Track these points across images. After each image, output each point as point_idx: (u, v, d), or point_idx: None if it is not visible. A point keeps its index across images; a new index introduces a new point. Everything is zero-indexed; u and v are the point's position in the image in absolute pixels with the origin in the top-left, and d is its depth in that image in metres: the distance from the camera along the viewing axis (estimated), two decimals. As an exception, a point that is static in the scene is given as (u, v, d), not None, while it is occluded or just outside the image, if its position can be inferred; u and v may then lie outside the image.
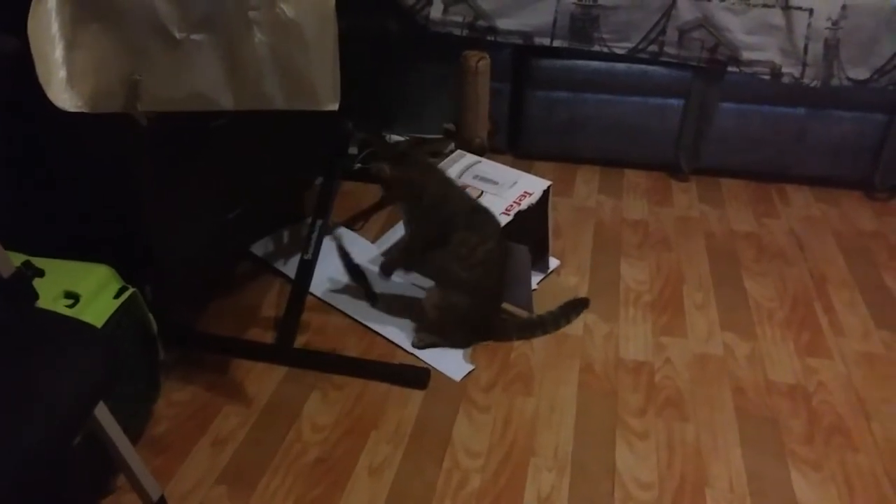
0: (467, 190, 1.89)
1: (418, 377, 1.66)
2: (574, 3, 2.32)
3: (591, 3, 2.32)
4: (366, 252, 2.05)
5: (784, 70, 2.30)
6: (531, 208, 1.86)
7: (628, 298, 1.95)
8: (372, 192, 2.27)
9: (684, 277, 2.04)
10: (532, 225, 1.91)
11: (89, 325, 1.10)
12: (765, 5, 2.24)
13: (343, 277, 1.96)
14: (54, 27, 1.21)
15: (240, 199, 1.80)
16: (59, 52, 1.22)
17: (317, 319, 1.84)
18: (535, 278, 1.98)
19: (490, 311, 1.75)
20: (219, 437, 1.51)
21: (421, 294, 1.82)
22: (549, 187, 1.91)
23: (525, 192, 1.88)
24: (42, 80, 1.21)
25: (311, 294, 1.87)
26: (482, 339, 1.77)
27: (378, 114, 2.61)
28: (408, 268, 1.79)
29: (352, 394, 1.63)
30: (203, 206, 1.70)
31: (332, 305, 1.88)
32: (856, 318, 1.90)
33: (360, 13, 1.55)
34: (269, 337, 1.78)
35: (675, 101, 2.44)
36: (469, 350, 1.75)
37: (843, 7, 2.20)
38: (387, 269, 1.76)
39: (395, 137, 2.57)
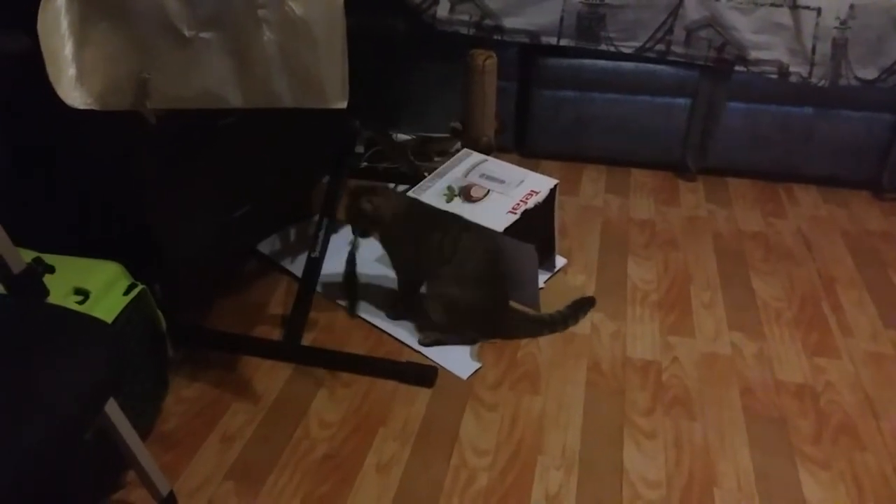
0: (473, 188, 1.90)
1: (425, 375, 1.66)
2: (581, 2, 2.32)
3: (598, 1, 2.32)
4: (376, 250, 2.04)
5: (792, 69, 2.29)
6: (538, 207, 1.86)
7: (635, 297, 1.94)
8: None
9: (692, 277, 2.03)
10: (539, 224, 1.91)
11: (100, 320, 1.11)
12: (772, 4, 2.24)
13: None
14: (64, 25, 1.22)
15: (247, 197, 1.80)
16: (68, 50, 1.23)
17: (324, 317, 1.84)
18: (542, 277, 1.98)
19: (493, 306, 1.75)
20: (227, 433, 1.52)
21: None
22: (555, 186, 1.91)
23: (532, 191, 1.88)
24: (52, 77, 1.21)
25: (318, 292, 1.87)
26: (489, 336, 1.77)
27: (385, 112, 2.61)
28: (410, 299, 1.81)
29: (359, 391, 1.63)
30: (210, 204, 1.70)
31: (339, 304, 1.89)
32: (864, 318, 1.89)
33: (367, 12, 1.56)
34: (276, 334, 1.79)
35: (682, 101, 2.44)
36: (476, 348, 1.75)
37: (851, 6, 2.20)
38: (395, 315, 1.83)
39: (402, 136, 2.58)
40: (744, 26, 2.27)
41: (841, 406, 1.62)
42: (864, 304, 1.94)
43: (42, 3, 1.19)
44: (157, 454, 1.44)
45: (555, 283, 1.99)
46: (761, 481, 1.44)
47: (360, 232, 1.80)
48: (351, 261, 2.01)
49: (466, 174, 1.95)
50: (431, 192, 1.89)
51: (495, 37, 2.40)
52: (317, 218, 1.89)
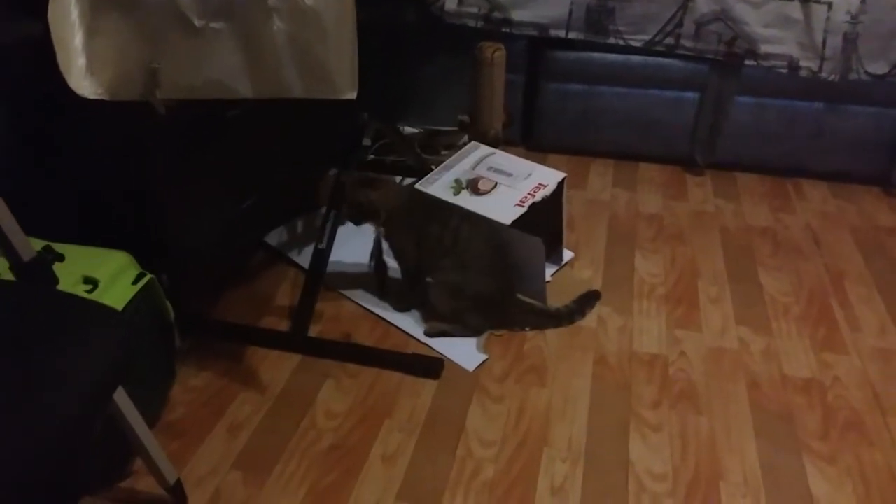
0: (481, 181, 1.89)
1: (432, 367, 1.66)
2: (590, -5, 2.31)
3: (607, -5, 2.31)
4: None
5: (802, 64, 2.28)
6: (545, 200, 1.86)
7: (642, 291, 1.94)
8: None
9: (699, 271, 2.03)
10: (546, 217, 1.91)
11: (111, 308, 1.11)
12: (783, -2, 2.23)
13: (357, 268, 1.97)
14: (74, 14, 1.22)
15: (254, 188, 1.81)
16: (78, 40, 1.23)
17: (330, 308, 1.85)
18: (549, 270, 1.98)
19: (498, 294, 1.74)
20: (234, 423, 1.53)
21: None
22: (563, 179, 1.91)
23: (539, 184, 1.88)
24: (62, 67, 1.21)
25: (325, 283, 1.88)
26: (495, 326, 1.77)
27: (393, 105, 2.61)
28: (414, 291, 1.82)
29: (365, 382, 1.64)
30: (218, 195, 1.71)
31: (345, 295, 1.89)
32: (872, 314, 1.89)
33: (377, 4, 1.55)
34: (283, 325, 1.79)
35: (690, 95, 2.43)
36: (482, 340, 1.75)
37: (863, 1, 2.18)
38: (401, 308, 1.84)
39: (410, 129, 2.58)
40: (754, 20, 2.25)
41: (848, 401, 1.62)
42: (872, 300, 1.94)
43: (52, -8, 1.20)
44: (165, 443, 1.45)
45: (562, 277, 1.99)
46: (767, 476, 1.44)
47: (354, 222, 1.79)
48: (378, 244, 2.01)
49: (474, 167, 1.95)
50: (439, 185, 1.89)
51: (504, 30, 2.40)
52: (324, 210, 1.89)
